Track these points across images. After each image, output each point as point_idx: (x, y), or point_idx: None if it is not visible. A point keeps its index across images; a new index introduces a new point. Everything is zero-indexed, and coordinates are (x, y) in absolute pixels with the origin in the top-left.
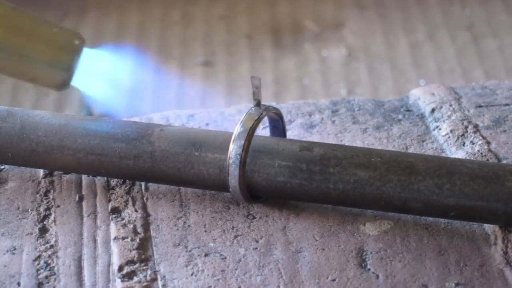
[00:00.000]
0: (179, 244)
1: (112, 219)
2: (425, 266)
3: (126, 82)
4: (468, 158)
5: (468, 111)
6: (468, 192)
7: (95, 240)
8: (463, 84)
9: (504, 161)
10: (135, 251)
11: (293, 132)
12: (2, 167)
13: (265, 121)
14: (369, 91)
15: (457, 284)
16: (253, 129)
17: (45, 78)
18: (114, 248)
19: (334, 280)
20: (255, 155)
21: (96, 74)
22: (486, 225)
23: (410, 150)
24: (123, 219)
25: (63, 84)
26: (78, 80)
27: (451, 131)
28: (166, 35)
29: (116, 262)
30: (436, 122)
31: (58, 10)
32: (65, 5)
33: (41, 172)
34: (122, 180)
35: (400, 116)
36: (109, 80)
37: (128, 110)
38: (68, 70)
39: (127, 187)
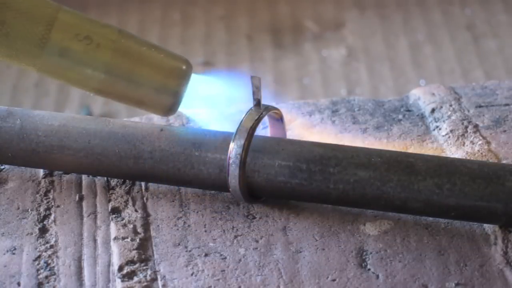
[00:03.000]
0: (179, 244)
1: (112, 219)
2: (425, 266)
3: (232, 108)
4: (468, 158)
5: (468, 111)
6: (468, 192)
7: (95, 240)
8: (463, 84)
9: (504, 161)
10: (135, 251)
11: (293, 132)
12: (2, 167)
13: (265, 121)
14: (369, 91)
15: (457, 284)
16: (253, 129)
17: (152, 103)
18: (114, 248)
19: (334, 280)
20: (255, 155)
21: (203, 100)
22: (486, 225)
23: (410, 150)
24: (123, 219)
25: (170, 109)
26: (185, 106)
27: (451, 131)
28: (166, 35)
29: (116, 262)
30: (436, 122)
31: None
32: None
33: (41, 172)
34: (122, 180)
35: (400, 116)
36: (216, 106)
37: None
38: (176, 95)
39: (127, 187)
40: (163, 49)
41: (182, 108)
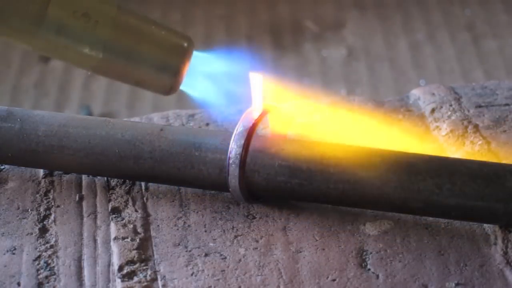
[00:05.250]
0: (179, 244)
1: (112, 219)
2: (425, 266)
3: (235, 86)
4: (468, 158)
5: (468, 111)
6: (468, 192)
7: (95, 240)
8: (463, 84)
9: (504, 161)
10: (135, 251)
11: (293, 132)
12: (2, 167)
13: (265, 121)
14: (369, 91)
15: (457, 284)
16: (253, 129)
17: (153, 82)
18: (114, 248)
19: (334, 280)
20: (255, 155)
21: (205, 78)
22: (486, 225)
23: (410, 150)
24: (123, 219)
25: (171, 88)
26: (187, 84)
27: (451, 131)
28: None
29: (116, 262)
30: (436, 122)
31: None
32: None
33: (41, 172)
34: (122, 180)
35: (400, 116)
36: (218, 85)
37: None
38: (177, 74)
39: (127, 187)
40: (164, 26)
41: (185, 88)
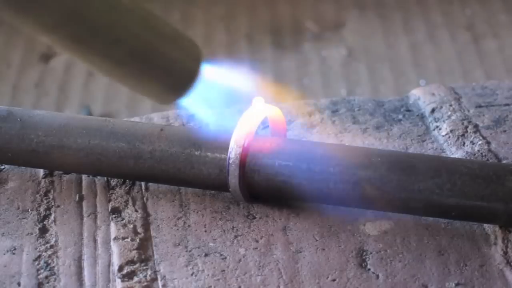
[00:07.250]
0: (179, 244)
1: (112, 219)
2: (425, 266)
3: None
4: (468, 158)
5: (468, 111)
6: (468, 192)
7: (95, 240)
8: (463, 84)
9: (504, 161)
10: (135, 251)
11: (293, 132)
12: (2, 167)
13: (265, 121)
14: (369, 91)
15: (457, 284)
16: (253, 129)
17: (157, 95)
18: (114, 248)
19: (334, 280)
20: (255, 155)
21: (210, 92)
22: (486, 225)
23: (410, 150)
24: (123, 219)
25: (174, 100)
26: (189, 98)
27: (451, 131)
28: None
29: (116, 262)
30: (436, 122)
31: None
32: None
33: (41, 172)
34: (122, 180)
35: (400, 116)
36: (221, 100)
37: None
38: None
39: (127, 187)
40: (183, 36)
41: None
